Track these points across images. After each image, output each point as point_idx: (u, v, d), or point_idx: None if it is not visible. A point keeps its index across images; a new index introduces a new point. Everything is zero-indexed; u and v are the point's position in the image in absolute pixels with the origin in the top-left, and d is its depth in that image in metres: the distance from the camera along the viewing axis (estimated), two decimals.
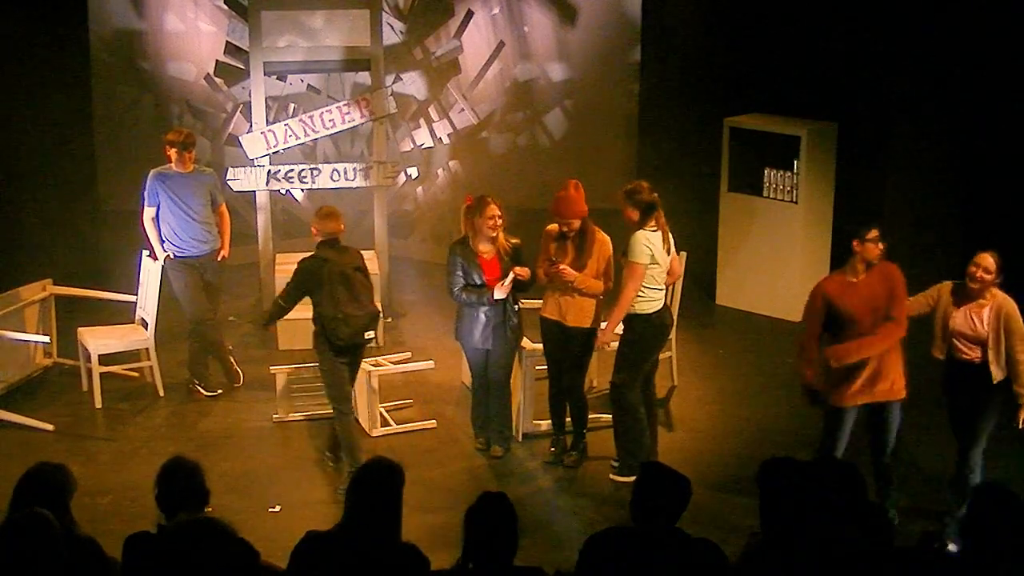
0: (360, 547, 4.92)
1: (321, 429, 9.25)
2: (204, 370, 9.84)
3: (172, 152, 9.54)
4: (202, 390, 9.78)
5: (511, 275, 8.37)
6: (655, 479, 5.20)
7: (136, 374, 9.93)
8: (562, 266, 8.28)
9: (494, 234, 8.41)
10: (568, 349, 8.52)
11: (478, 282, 8.42)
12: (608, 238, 8.45)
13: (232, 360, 9.91)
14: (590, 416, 8.82)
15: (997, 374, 7.44)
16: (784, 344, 10.91)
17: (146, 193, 9.60)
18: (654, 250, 8.07)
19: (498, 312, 8.48)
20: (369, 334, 8.27)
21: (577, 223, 8.32)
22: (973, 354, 7.48)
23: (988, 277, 7.40)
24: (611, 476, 8.44)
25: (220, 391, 9.80)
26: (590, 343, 8.50)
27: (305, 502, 8.10)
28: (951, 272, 11.14)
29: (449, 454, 8.91)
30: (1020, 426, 7.52)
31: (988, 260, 7.43)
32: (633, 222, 8.09)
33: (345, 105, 11.11)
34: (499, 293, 8.37)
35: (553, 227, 8.46)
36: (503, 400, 8.77)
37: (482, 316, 8.47)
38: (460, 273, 8.44)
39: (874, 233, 7.47)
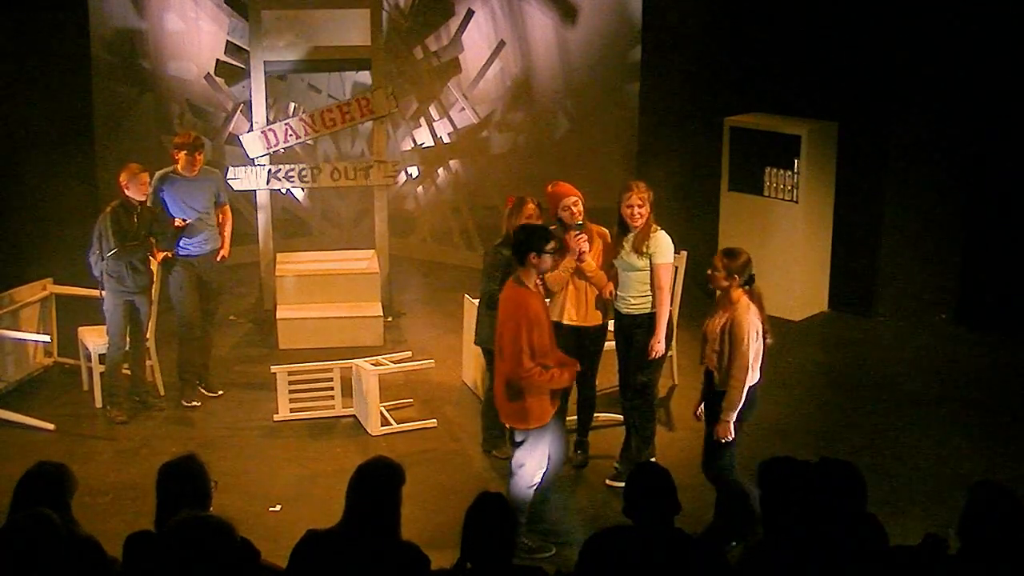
0: (360, 546, 4.92)
1: (322, 429, 9.26)
2: (204, 371, 9.83)
3: (181, 155, 9.46)
4: (203, 390, 9.77)
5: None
6: (644, 477, 5.21)
7: None
8: (587, 244, 8.16)
9: None
10: (583, 350, 8.51)
11: None
12: (605, 229, 8.41)
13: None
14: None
15: (720, 380, 7.29)
16: (784, 344, 10.90)
17: (149, 193, 9.58)
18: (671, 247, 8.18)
19: None
20: None
21: (579, 201, 8.24)
22: (710, 362, 7.34)
23: (716, 275, 7.19)
24: (609, 482, 8.42)
25: (221, 392, 9.79)
26: (602, 340, 8.51)
27: (306, 501, 8.10)
28: (951, 271, 11.21)
29: (449, 453, 8.90)
30: (715, 438, 7.31)
31: (714, 258, 7.25)
32: (649, 218, 8.10)
33: (346, 104, 11.11)
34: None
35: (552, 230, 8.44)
36: None
37: None
38: (501, 275, 8.22)
39: (553, 245, 7.30)
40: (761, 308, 7.21)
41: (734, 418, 7.24)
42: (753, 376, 7.23)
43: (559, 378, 7.26)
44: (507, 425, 7.59)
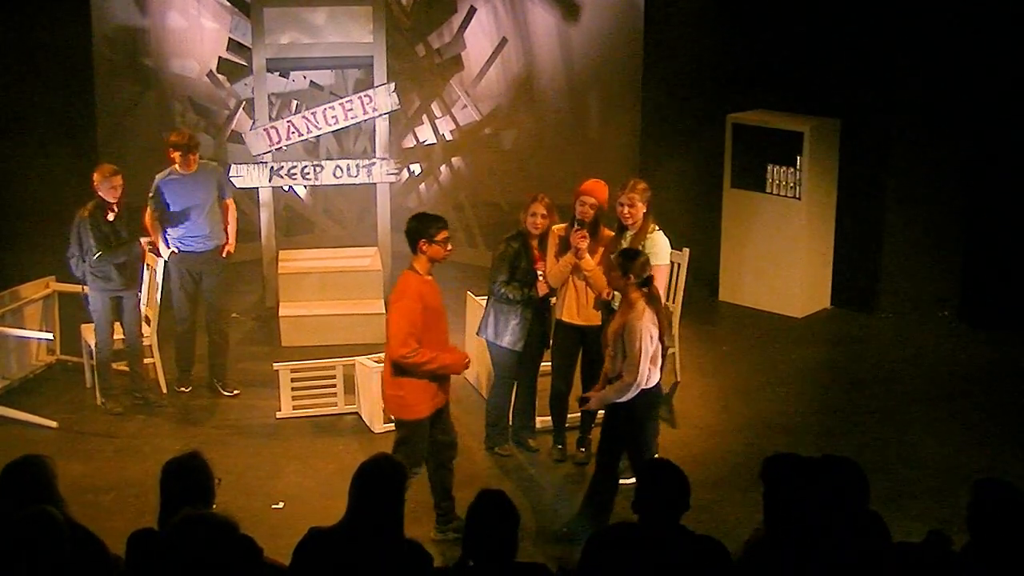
0: (363, 544, 4.92)
1: (325, 427, 9.26)
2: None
3: (176, 155, 9.47)
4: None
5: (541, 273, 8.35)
6: (659, 475, 5.20)
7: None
8: (584, 242, 8.18)
9: (536, 232, 8.37)
10: (585, 349, 8.51)
11: (528, 276, 8.32)
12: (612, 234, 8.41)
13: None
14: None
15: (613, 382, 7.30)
16: (786, 340, 10.91)
17: (151, 196, 9.56)
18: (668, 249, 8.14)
19: (536, 310, 8.44)
20: None
21: (596, 202, 8.24)
22: (606, 367, 7.37)
23: (613, 275, 7.27)
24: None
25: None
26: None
27: (308, 499, 8.11)
28: (953, 268, 11.20)
29: None
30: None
31: (613, 257, 7.33)
32: (642, 219, 8.07)
33: (348, 101, 11.10)
34: (543, 289, 8.34)
35: (560, 228, 8.43)
36: (533, 394, 8.81)
37: (519, 317, 8.39)
38: (508, 267, 8.33)
39: (444, 234, 7.31)
40: (658, 311, 7.22)
41: (600, 406, 7.43)
42: (653, 378, 7.24)
43: (442, 361, 7.28)
44: (391, 415, 7.61)
